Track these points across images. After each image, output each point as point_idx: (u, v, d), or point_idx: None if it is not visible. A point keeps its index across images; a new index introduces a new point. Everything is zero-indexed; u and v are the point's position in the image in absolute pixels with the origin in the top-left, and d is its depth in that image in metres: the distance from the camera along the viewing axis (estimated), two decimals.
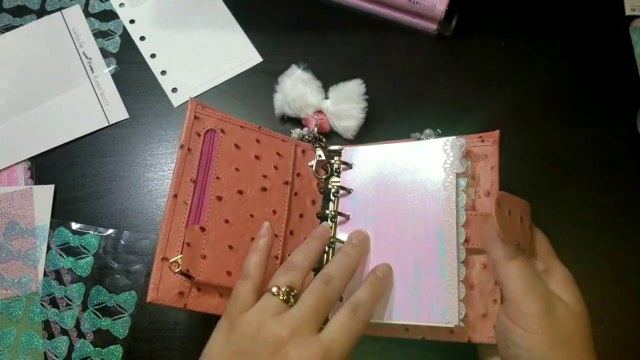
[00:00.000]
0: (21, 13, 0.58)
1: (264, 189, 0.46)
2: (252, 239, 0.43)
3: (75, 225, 0.50)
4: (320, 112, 0.53)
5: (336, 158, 0.49)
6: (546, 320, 0.36)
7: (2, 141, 0.53)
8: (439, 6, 0.54)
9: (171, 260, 0.40)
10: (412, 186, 0.45)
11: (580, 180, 0.53)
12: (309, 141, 0.51)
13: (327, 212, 0.48)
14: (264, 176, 0.46)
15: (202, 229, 0.42)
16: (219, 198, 0.43)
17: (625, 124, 0.54)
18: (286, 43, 0.58)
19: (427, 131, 0.52)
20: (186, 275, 0.41)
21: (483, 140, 0.45)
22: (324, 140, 0.52)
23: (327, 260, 0.45)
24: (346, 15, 0.59)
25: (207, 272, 0.41)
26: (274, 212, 0.46)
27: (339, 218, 0.47)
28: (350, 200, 0.47)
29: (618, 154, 0.54)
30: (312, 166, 0.50)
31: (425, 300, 0.41)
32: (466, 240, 0.42)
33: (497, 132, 0.45)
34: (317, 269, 0.43)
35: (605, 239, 0.51)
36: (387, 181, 0.46)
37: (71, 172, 0.53)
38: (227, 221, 0.43)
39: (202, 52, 0.57)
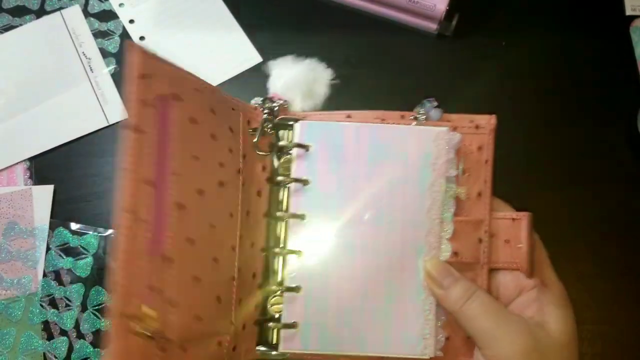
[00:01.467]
0: (20, 13, 0.58)
1: (221, 184, 0.32)
2: (214, 259, 0.31)
3: (74, 226, 0.50)
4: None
5: (283, 135, 0.38)
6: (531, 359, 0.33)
7: (1, 141, 0.53)
8: (439, 6, 0.54)
9: (130, 314, 0.26)
10: (390, 186, 0.37)
11: (580, 181, 0.52)
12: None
13: (279, 213, 0.36)
14: (221, 164, 0.32)
15: (166, 259, 0.28)
16: (181, 206, 0.29)
17: (625, 124, 0.54)
18: (286, 43, 0.57)
19: (426, 102, 0.40)
20: (161, 337, 0.27)
21: (477, 127, 0.39)
22: (282, 103, 0.39)
23: (279, 268, 0.37)
24: (346, 15, 0.59)
25: (179, 325, 0.28)
26: (231, 215, 0.32)
27: (292, 220, 0.37)
28: (307, 194, 0.36)
29: (618, 155, 0.54)
30: (252, 132, 0.36)
31: (397, 327, 0.36)
32: (455, 253, 0.37)
33: (494, 118, 0.39)
34: (262, 283, 0.36)
35: (605, 240, 0.51)
36: (355, 174, 0.37)
37: (71, 172, 0.52)
38: (191, 240, 0.30)
39: (201, 52, 0.57)
